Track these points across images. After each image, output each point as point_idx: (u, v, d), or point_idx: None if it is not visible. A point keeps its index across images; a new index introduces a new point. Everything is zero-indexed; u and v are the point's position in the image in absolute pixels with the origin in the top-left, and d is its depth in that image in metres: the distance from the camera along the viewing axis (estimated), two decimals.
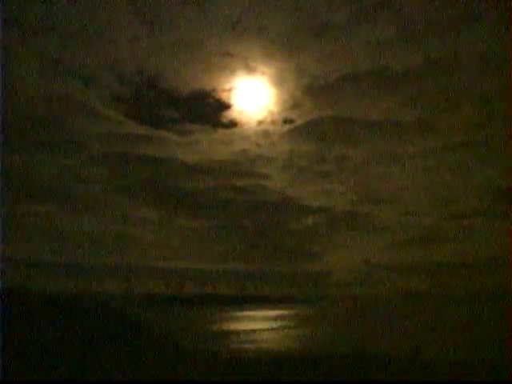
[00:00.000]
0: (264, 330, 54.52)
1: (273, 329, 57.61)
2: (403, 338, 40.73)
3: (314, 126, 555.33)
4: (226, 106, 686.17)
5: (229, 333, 50.25)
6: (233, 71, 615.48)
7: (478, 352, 28.29)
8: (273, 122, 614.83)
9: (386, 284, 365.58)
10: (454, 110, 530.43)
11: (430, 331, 48.14)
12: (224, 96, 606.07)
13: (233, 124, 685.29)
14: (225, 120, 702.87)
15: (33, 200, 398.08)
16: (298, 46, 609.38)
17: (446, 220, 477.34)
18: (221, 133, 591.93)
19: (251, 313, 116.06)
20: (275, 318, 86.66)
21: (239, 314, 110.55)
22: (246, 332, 51.58)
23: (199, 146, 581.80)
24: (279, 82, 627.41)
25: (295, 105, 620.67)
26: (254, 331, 52.97)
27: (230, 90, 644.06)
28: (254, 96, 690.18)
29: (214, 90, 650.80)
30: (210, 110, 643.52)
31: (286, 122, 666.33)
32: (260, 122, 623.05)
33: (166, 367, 18.36)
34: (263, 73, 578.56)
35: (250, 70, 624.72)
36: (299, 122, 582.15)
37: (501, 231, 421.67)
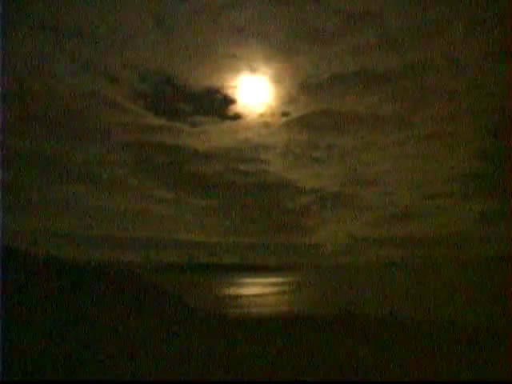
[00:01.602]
0: (263, 295, 54.84)
1: (271, 293, 57.93)
2: (382, 300, 40.89)
3: (307, 118, 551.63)
4: (231, 101, 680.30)
5: (233, 297, 50.57)
6: (238, 71, 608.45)
7: (448, 312, 28.40)
8: (272, 115, 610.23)
9: (368, 254, 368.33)
10: (426, 105, 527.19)
11: (405, 295, 48.38)
12: (230, 92, 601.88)
13: (237, 116, 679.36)
14: (230, 113, 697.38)
15: (65, 181, 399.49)
16: (294, 49, 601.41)
17: (420, 200, 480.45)
18: (227, 124, 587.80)
19: (252, 279, 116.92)
20: (273, 284, 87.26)
21: (242, 280, 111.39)
22: (248, 296, 51.90)
23: (208, 136, 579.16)
24: (278, 80, 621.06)
25: (292, 100, 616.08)
26: (255, 296, 53.30)
27: (235, 87, 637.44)
28: (256, 92, 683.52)
29: (221, 87, 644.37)
30: (218, 105, 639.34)
31: (283, 115, 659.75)
32: (261, 115, 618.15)
33: (179, 326, 18.33)
34: (264, 72, 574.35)
35: (253, 70, 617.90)
36: (295, 114, 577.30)
37: (466, 210, 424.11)
